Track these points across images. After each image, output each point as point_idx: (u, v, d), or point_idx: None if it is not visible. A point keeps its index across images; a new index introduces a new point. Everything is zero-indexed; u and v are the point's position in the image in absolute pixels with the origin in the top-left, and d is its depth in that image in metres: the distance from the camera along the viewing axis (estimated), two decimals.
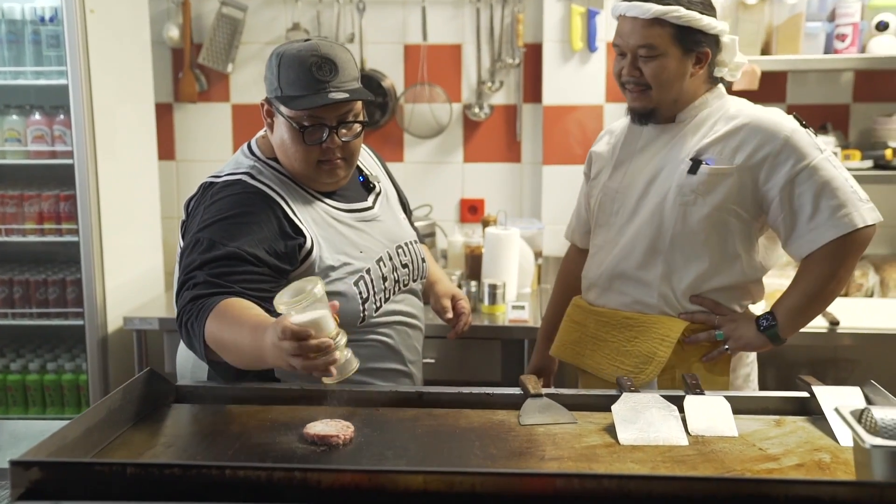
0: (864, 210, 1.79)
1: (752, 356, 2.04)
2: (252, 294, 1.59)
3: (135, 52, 3.26)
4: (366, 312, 1.77)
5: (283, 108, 1.71)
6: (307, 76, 1.67)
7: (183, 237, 1.80)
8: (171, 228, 3.59)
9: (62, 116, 3.01)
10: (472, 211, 3.50)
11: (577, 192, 2.26)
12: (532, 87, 3.40)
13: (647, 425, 1.52)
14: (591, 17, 3.22)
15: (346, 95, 1.69)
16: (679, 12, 1.80)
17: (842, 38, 2.99)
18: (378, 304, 1.80)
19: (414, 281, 1.94)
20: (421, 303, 1.99)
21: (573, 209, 2.30)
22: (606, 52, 3.28)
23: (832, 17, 3.04)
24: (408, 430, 1.53)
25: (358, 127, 1.77)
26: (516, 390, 1.69)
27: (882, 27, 2.99)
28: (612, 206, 1.99)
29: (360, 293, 1.75)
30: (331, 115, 1.70)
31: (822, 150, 1.82)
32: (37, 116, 3.03)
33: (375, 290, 1.79)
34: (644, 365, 1.89)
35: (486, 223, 3.30)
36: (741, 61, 1.94)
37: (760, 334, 1.88)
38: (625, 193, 1.97)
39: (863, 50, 3.03)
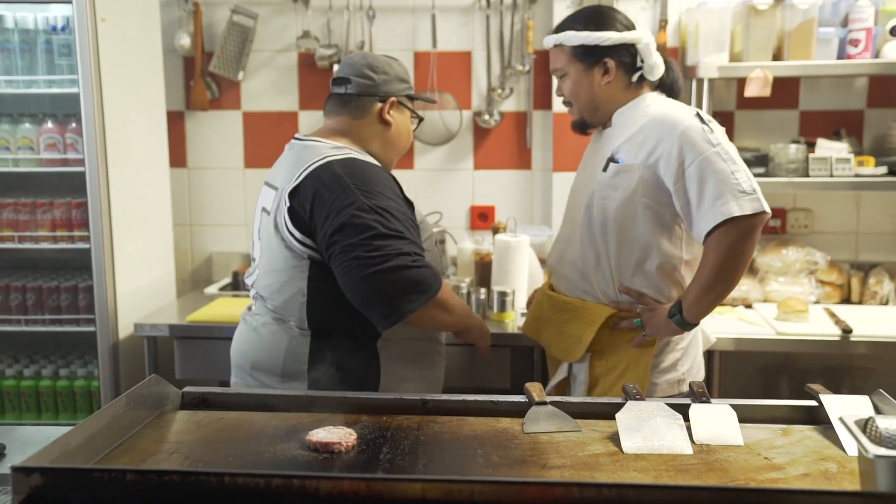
0: (744, 201, 1.90)
1: (684, 343, 2.16)
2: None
3: (146, 60, 3.28)
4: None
5: (410, 104, 2.15)
6: (409, 78, 2.18)
7: (306, 222, 1.93)
8: (182, 235, 3.61)
9: (74, 124, 3.03)
10: (482, 218, 3.50)
11: None
12: (542, 94, 3.40)
13: (651, 433, 1.51)
14: None
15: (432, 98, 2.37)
16: (568, 35, 2.10)
17: (855, 43, 2.97)
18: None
19: None
20: None
21: None
22: None
23: (845, 23, 3.01)
24: (411, 438, 1.52)
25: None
26: (521, 398, 1.68)
27: None
28: (571, 201, 2.26)
29: (438, 252, 2.20)
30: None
31: (715, 144, 1.95)
32: (49, 125, 3.06)
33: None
34: (574, 346, 2.15)
35: (495, 230, 3.29)
36: (657, 62, 2.11)
37: (669, 321, 2.04)
38: (576, 191, 2.24)
39: (876, 55, 3.01)
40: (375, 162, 2.05)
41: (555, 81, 3.28)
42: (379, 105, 2.09)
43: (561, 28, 2.13)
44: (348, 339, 1.96)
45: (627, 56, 2.09)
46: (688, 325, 2.03)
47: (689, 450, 1.47)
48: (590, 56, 2.09)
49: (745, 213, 1.89)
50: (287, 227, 1.93)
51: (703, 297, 1.99)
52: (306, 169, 1.94)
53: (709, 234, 1.93)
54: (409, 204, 2.03)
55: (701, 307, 2.01)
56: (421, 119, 2.20)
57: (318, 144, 2.04)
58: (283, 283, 1.96)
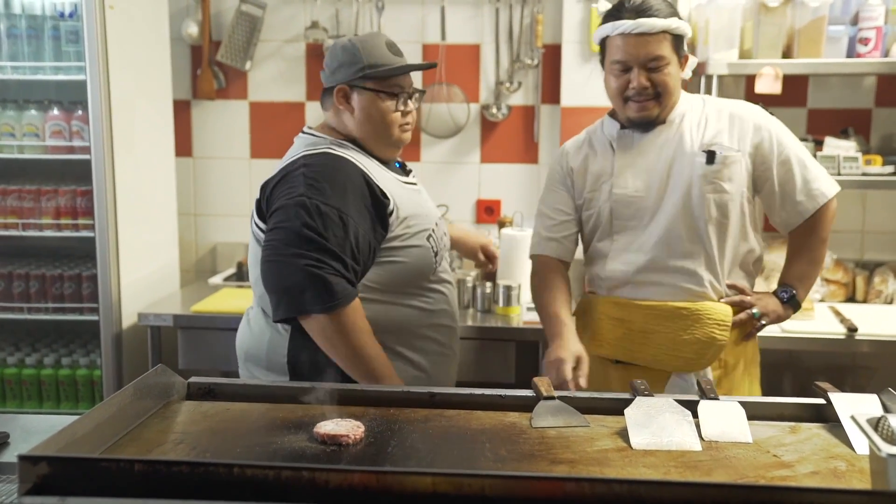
0: (831, 181, 2.11)
1: None
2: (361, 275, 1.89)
3: (153, 49, 3.27)
4: (436, 265, 2.00)
5: (369, 84, 1.95)
6: (387, 53, 1.96)
7: (265, 213, 1.93)
8: (186, 225, 3.61)
9: (80, 112, 3.02)
10: (488, 212, 3.49)
11: None
12: (550, 89, 3.39)
13: (660, 430, 1.50)
14: None
15: (423, 63, 2.07)
16: (676, 23, 1.99)
17: (865, 41, 2.95)
18: (440, 260, 2.03)
19: (448, 250, 2.16)
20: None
21: (537, 230, 2.22)
22: None
23: (855, 21, 3.00)
24: (418, 431, 1.52)
25: (418, 95, 2.06)
26: (529, 392, 1.68)
27: None
28: (628, 211, 2.08)
29: (432, 247, 1.98)
30: (406, 84, 2.00)
31: (790, 133, 2.09)
32: (55, 112, 3.05)
33: (440, 246, 2.02)
34: (704, 350, 2.03)
35: (502, 224, 3.29)
36: (695, 59, 2.13)
37: (785, 305, 2.13)
38: (641, 196, 2.07)
39: (886, 54, 2.99)
40: (352, 157, 1.94)
41: (571, 77, 3.28)
42: (335, 96, 2.00)
43: (662, 13, 1.98)
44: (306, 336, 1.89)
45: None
46: (798, 305, 2.15)
47: (697, 446, 1.46)
48: (681, 47, 2.04)
49: (835, 193, 2.09)
50: (254, 217, 1.96)
51: (812, 276, 2.16)
52: (286, 162, 1.96)
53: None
54: (380, 205, 1.91)
55: (808, 286, 2.16)
56: (400, 94, 1.98)
57: (309, 138, 2.02)
58: (257, 276, 1.94)
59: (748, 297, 2.10)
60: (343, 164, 1.91)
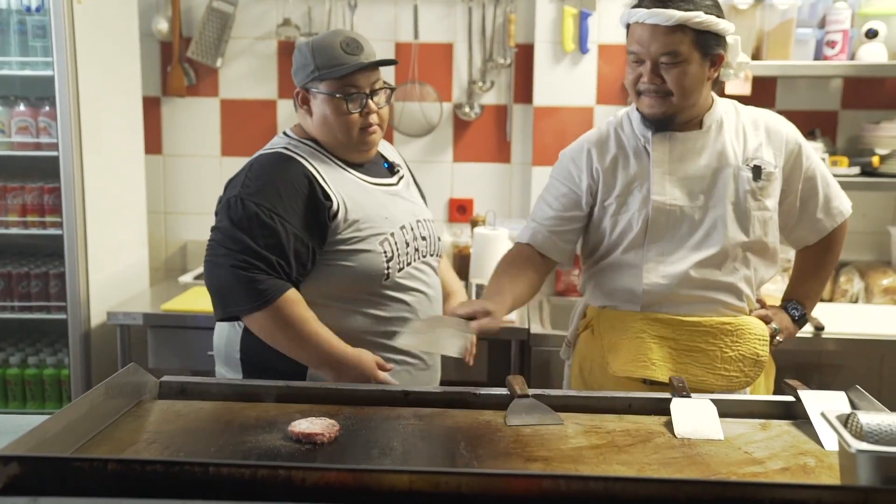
0: (845, 200, 2.08)
1: None
2: (296, 275, 1.84)
3: (123, 45, 3.23)
4: (390, 270, 1.92)
5: (322, 86, 1.90)
6: (339, 53, 1.88)
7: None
8: (156, 223, 3.57)
9: (47, 108, 2.97)
10: (460, 211, 3.49)
11: None
12: (523, 88, 3.40)
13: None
14: (583, 18, 3.22)
15: (376, 60, 1.92)
16: (700, 17, 1.79)
17: (832, 44, 3.01)
18: (401, 266, 1.94)
19: (431, 255, 2.06)
20: (437, 278, 2.10)
21: (533, 217, 2.10)
22: (598, 54, 3.28)
23: (822, 24, 3.05)
24: (393, 430, 1.52)
25: (385, 95, 1.97)
26: (503, 391, 1.68)
27: (871, 35, 3.01)
28: (668, 220, 1.94)
29: (385, 252, 1.91)
30: (365, 83, 1.91)
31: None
32: (21, 108, 3.00)
33: (399, 252, 1.94)
34: (752, 367, 1.94)
35: (474, 223, 3.29)
36: (745, 61, 1.96)
37: (795, 322, 2.09)
38: (681, 206, 1.94)
39: (852, 57, 3.05)
40: (302, 157, 1.90)
41: (543, 77, 3.30)
42: (295, 100, 1.98)
43: (684, 4, 1.80)
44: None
45: (725, 51, 1.89)
46: (806, 322, 2.11)
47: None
48: (709, 45, 1.84)
49: (850, 210, 2.08)
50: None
51: (820, 292, 2.15)
52: None
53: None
54: (319, 205, 1.85)
55: (816, 303, 2.14)
56: (355, 94, 1.89)
57: (277, 138, 2.02)
58: None
59: (769, 312, 2.05)
60: (285, 164, 1.88)
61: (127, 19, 3.25)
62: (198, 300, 3.00)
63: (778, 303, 2.14)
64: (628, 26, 1.89)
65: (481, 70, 3.40)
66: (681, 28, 1.80)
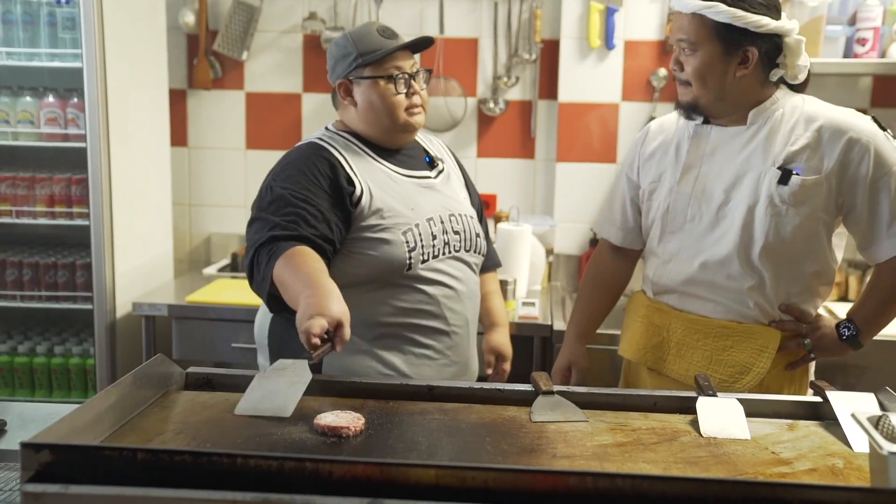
0: None
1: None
2: (316, 240, 1.78)
3: (150, 37, 3.25)
4: (412, 261, 1.89)
5: (366, 72, 1.93)
6: (378, 38, 1.92)
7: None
8: (181, 215, 3.59)
9: (76, 99, 3.00)
10: (484, 206, 3.47)
11: (592, 189, 2.25)
12: (548, 84, 3.38)
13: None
14: (609, 14, 3.20)
15: (415, 39, 1.95)
16: (718, 8, 1.77)
17: (862, 42, 2.97)
18: (425, 258, 1.92)
19: (467, 251, 2.03)
20: (474, 276, 2.08)
21: (603, 204, 2.21)
22: (624, 50, 3.26)
23: (853, 21, 3.01)
24: (418, 424, 1.52)
25: (426, 75, 2.01)
26: (528, 387, 1.68)
27: None
28: (687, 212, 1.94)
29: (407, 242, 1.89)
30: (407, 65, 1.95)
31: None
32: (50, 99, 3.03)
33: (424, 244, 1.91)
34: (740, 375, 1.89)
35: (498, 219, 3.29)
36: (804, 64, 1.86)
37: (843, 342, 1.92)
38: (700, 199, 1.92)
39: (883, 55, 3.01)
40: (332, 146, 1.92)
41: (569, 72, 3.28)
42: (339, 93, 2.00)
43: None
44: (286, 318, 1.86)
45: (773, 49, 1.82)
46: (860, 345, 1.93)
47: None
48: (734, 38, 1.79)
49: None
50: None
51: (882, 317, 1.92)
52: None
53: None
54: (341, 190, 1.85)
55: (878, 327, 1.93)
56: (399, 76, 1.92)
57: (316, 132, 2.05)
58: None
59: (803, 326, 1.92)
60: (313, 151, 1.91)
61: (154, 12, 3.27)
62: (222, 292, 3.02)
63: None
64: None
65: (506, 65, 3.39)
66: (698, 17, 1.80)
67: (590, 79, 3.28)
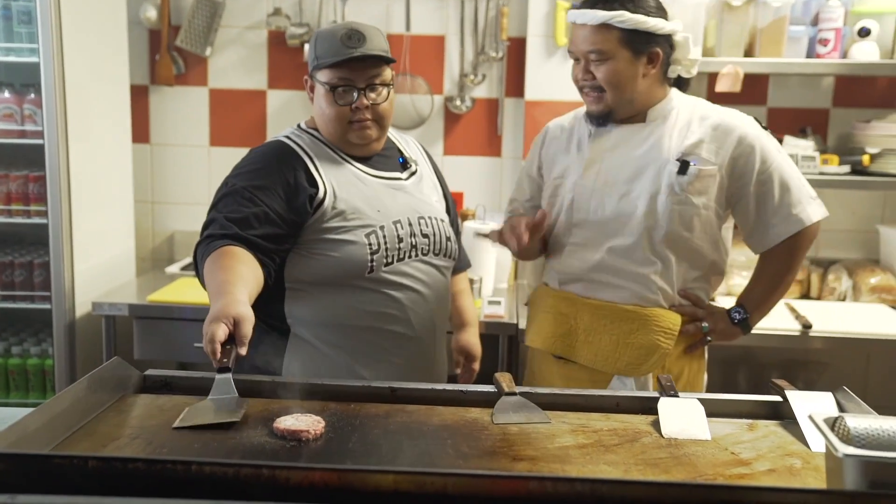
0: (815, 206, 2.01)
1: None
2: (259, 241, 1.76)
3: (110, 32, 3.19)
4: (374, 264, 1.87)
5: (318, 76, 1.88)
6: (337, 44, 1.84)
7: None
8: (143, 213, 3.54)
9: (33, 95, 2.94)
10: None
11: None
12: (515, 82, 3.38)
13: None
14: None
15: (367, 54, 1.84)
16: (623, 17, 1.89)
17: (824, 42, 3.00)
18: (388, 261, 1.89)
19: (436, 255, 1.99)
20: (443, 279, 2.04)
21: (507, 206, 2.34)
22: None
23: (815, 22, 3.05)
24: (380, 427, 1.50)
25: (385, 91, 1.91)
26: (491, 388, 1.67)
27: (864, 33, 3.01)
28: (589, 205, 2.04)
29: (370, 244, 1.86)
30: (359, 78, 1.86)
31: (780, 150, 2.02)
32: (6, 94, 2.96)
33: (388, 246, 1.88)
34: (647, 357, 2.00)
35: (464, 217, 3.28)
36: (695, 58, 2.02)
37: (735, 326, 2.09)
38: (602, 192, 2.02)
39: (844, 55, 3.05)
40: (298, 144, 1.90)
41: (535, 70, 3.27)
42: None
43: (610, 4, 1.90)
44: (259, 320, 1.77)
45: (668, 48, 1.97)
46: (749, 329, 2.10)
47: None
48: (640, 43, 1.92)
49: (817, 220, 2.00)
50: None
51: (770, 302, 2.09)
52: None
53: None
54: (300, 189, 1.82)
55: (765, 311, 2.10)
56: (335, 88, 1.85)
57: (286, 129, 2.01)
58: None
59: (700, 311, 2.06)
60: (276, 150, 1.89)
61: (115, 6, 3.21)
62: (184, 291, 2.98)
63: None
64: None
65: (473, 63, 3.38)
66: (605, 27, 1.90)
67: (557, 77, 3.28)
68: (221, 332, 1.46)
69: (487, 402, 1.62)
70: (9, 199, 3.01)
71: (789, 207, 1.98)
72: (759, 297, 2.10)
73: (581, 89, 2.01)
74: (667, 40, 1.96)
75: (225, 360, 1.47)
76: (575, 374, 2.08)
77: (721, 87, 2.92)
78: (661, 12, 1.95)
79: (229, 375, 1.50)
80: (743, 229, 2.07)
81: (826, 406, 1.59)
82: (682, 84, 2.08)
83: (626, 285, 2.02)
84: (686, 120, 2.00)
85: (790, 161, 2.02)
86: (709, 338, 2.08)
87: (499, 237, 2.09)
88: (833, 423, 1.25)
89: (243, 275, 1.65)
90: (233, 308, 1.50)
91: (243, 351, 1.49)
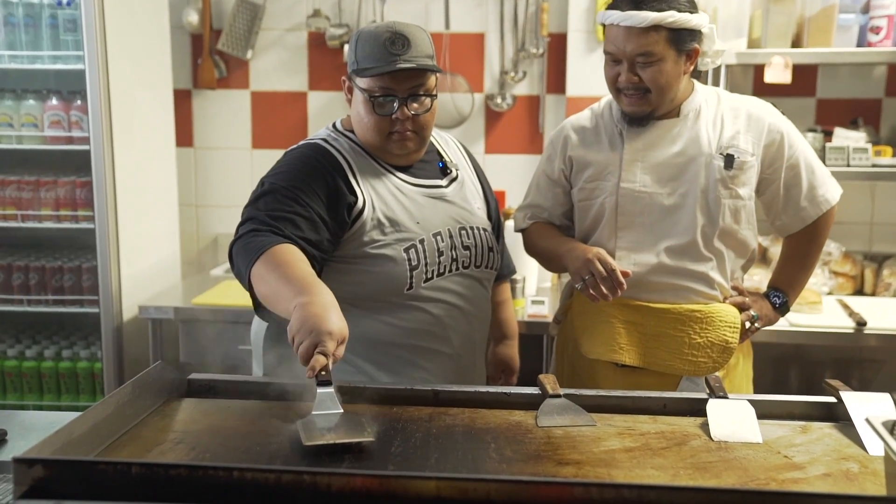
0: (836, 187, 2.08)
1: None
2: (306, 246, 1.67)
3: (153, 37, 3.23)
4: (413, 280, 1.80)
5: (358, 81, 1.79)
6: (380, 49, 1.74)
7: None
8: (188, 216, 3.58)
9: (79, 102, 2.98)
10: None
11: None
12: (556, 78, 3.34)
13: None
14: None
15: (412, 65, 1.74)
16: (674, 17, 1.85)
17: (876, 30, 2.91)
18: (428, 276, 1.82)
19: (477, 267, 1.91)
20: (484, 292, 1.97)
21: (529, 201, 2.19)
22: None
23: (866, 9, 2.95)
24: (422, 430, 1.49)
25: (428, 101, 1.81)
26: (534, 390, 1.65)
27: None
28: (636, 207, 1.99)
29: (410, 260, 1.79)
30: (401, 87, 1.76)
31: (799, 133, 2.05)
32: (54, 101, 3.01)
33: (428, 261, 1.81)
34: (718, 354, 1.98)
35: (506, 216, 3.25)
36: (721, 49, 2.01)
37: (776, 310, 2.12)
38: (650, 193, 1.98)
39: None
40: (336, 148, 1.82)
41: (576, 66, 3.23)
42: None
43: (657, 5, 1.85)
44: (278, 323, 1.76)
45: (700, 44, 1.95)
46: (787, 311, 2.15)
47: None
48: (684, 41, 1.89)
49: (839, 197, 2.07)
50: None
51: (803, 283, 2.16)
52: None
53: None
54: (340, 195, 1.75)
55: (798, 292, 2.16)
56: (375, 98, 1.76)
57: (321, 130, 1.94)
58: None
59: (747, 300, 2.08)
60: (316, 153, 1.80)
61: (157, 12, 3.25)
62: (229, 294, 3.00)
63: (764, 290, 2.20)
64: (604, 26, 1.95)
65: (513, 60, 3.35)
66: (654, 28, 1.85)
67: (598, 72, 3.18)
68: (322, 360, 1.38)
69: (531, 404, 1.60)
70: (57, 205, 3.06)
71: (815, 189, 2.03)
72: (792, 279, 2.14)
73: (619, 90, 1.94)
74: (701, 34, 1.94)
75: (324, 372, 1.40)
76: (644, 381, 1.99)
77: (770, 78, 2.85)
78: (695, 7, 1.93)
79: (332, 389, 1.43)
80: (769, 214, 2.09)
81: (884, 408, 1.53)
82: (698, 75, 2.10)
83: (687, 284, 2.00)
84: (715, 112, 2.00)
85: (807, 142, 2.07)
86: (757, 325, 2.08)
87: (587, 289, 1.92)
88: (893, 427, 1.21)
89: (316, 275, 1.57)
90: (334, 322, 1.41)
91: (331, 366, 1.42)
